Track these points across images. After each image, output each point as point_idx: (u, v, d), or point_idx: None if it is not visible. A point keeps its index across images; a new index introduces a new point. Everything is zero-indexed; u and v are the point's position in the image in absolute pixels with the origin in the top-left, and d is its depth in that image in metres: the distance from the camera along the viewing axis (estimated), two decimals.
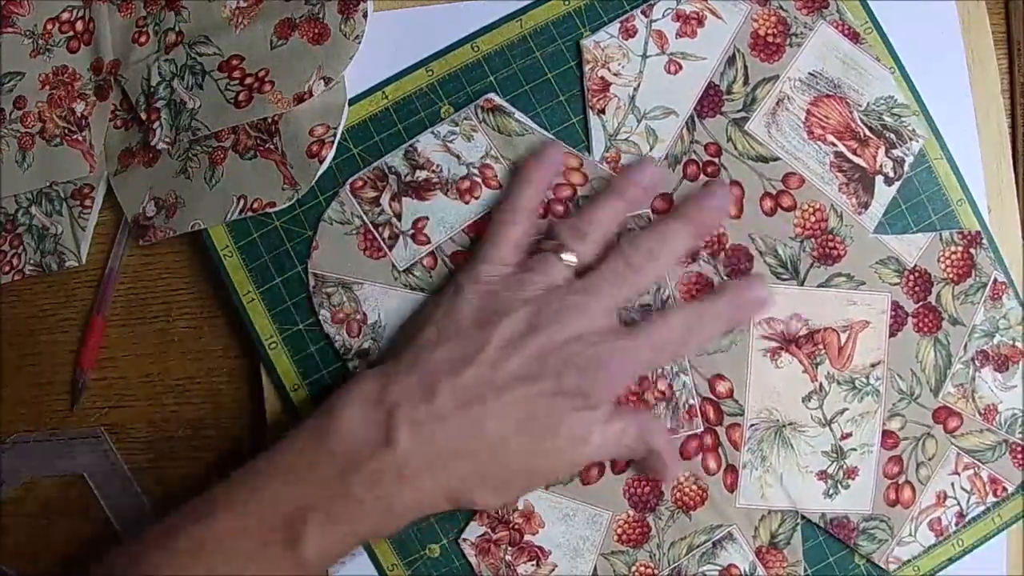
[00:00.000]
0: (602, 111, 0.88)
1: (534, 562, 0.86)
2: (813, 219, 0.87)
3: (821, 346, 0.86)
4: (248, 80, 0.88)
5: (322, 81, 0.88)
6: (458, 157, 0.88)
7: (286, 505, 0.75)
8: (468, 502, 0.79)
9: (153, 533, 0.78)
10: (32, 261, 0.93)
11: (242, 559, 0.75)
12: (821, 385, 0.86)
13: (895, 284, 0.87)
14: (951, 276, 0.87)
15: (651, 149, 0.87)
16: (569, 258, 0.82)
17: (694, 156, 0.87)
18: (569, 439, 0.79)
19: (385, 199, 0.87)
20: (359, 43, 0.88)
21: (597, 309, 0.80)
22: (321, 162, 0.87)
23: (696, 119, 0.88)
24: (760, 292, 0.84)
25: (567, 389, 0.77)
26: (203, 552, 0.75)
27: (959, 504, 0.87)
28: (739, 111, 0.88)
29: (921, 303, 0.87)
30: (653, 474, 0.85)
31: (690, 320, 0.81)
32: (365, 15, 0.88)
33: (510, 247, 0.83)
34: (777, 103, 0.87)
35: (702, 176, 0.87)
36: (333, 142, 0.87)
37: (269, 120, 0.89)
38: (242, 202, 0.87)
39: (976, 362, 0.87)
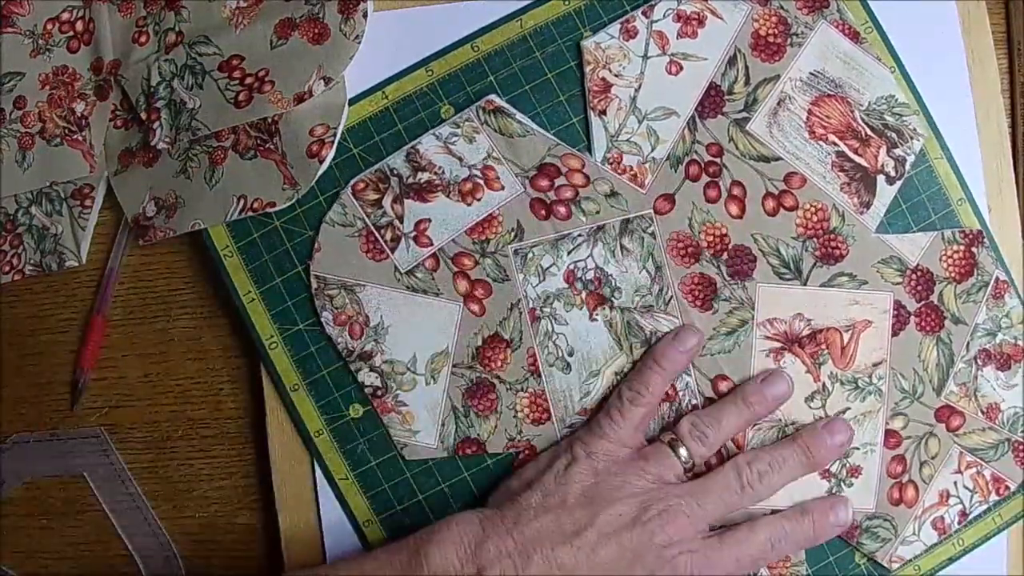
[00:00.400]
0: (603, 112, 0.88)
1: None
2: (815, 219, 0.87)
3: (824, 346, 0.86)
4: (248, 80, 0.88)
5: (322, 81, 0.87)
6: (460, 159, 0.88)
7: None
8: None
9: None
10: (32, 261, 0.93)
11: None
12: (824, 385, 0.86)
13: (897, 283, 0.87)
14: (953, 275, 0.87)
15: (652, 150, 0.87)
16: (684, 456, 0.83)
17: (695, 156, 0.87)
18: None
19: (387, 201, 0.87)
20: (359, 43, 0.88)
21: (698, 516, 0.80)
22: (321, 162, 0.87)
23: (697, 119, 0.88)
24: (844, 516, 0.84)
25: None
26: None
27: (962, 503, 0.87)
28: (740, 111, 0.88)
29: (923, 302, 0.87)
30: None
31: (776, 537, 0.82)
32: (365, 15, 0.88)
33: (631, 429, 0.84)
34: (778, 103, 0.87)
35: (704, 176, 0.87)
36: (333, 142, 0.87)
37: (269, 120, 0.88)
38: (242, 202, 0.87)
39: (978, 361, 0.87)
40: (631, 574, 0.77)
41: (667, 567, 0.78)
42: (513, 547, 0.77)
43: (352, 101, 0.89)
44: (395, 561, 0.77)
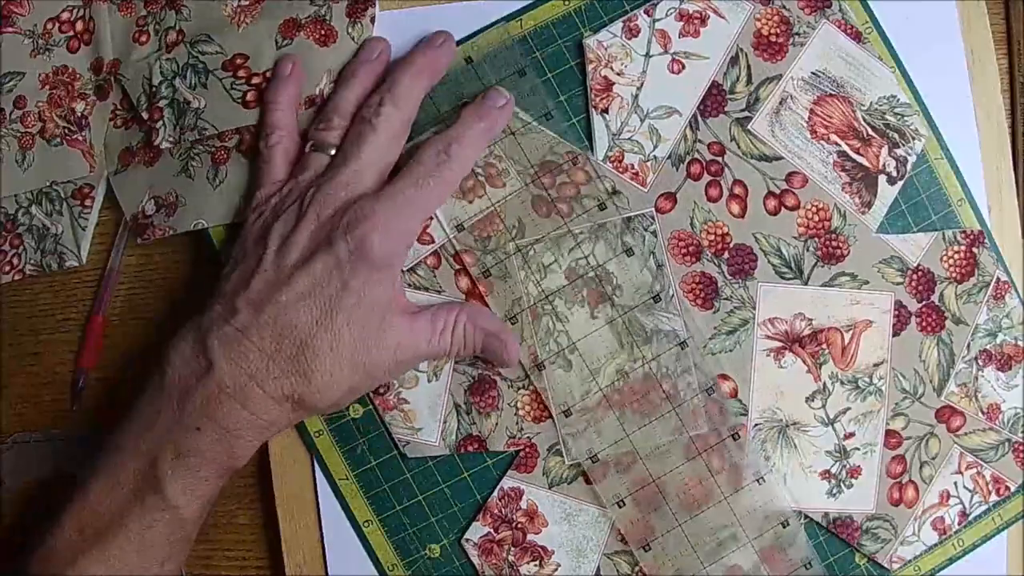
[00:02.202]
0: (605, 110, 0.88)
1: (537, 562, 0.86)
2: (817, 218, 0.87)
3: (825, 346, 0.86)
4: (255, 80, 0.88)
5: (332, 84, 0.88)
6: None
7: (144, 452, 0.78)
8: (302, 404, 0.81)
9: (44, 531, 0.80)
10: (32, 261, 0.93)
11: (119, 516, 0.78)
12: (824, 385, 0.86)
13: (898, 283, 0.87)
14: (954, 275, 0.87)
15: (654, 148, 0.87)
16: (327, 150, 0.86)
17: (697, 155, 0.87)
18: (372, 309, 0.81)
19: None
20: None
21: (350, 175, 0.83)
22: None
23: (699, 118, 0.88)
24: (499, 98, 0.87)
25: (343, 256, 0.79)
26: (87, 525, 0.78)
27: (962, 503, 0.87)
28: (742, 110, 0.88)
29: (924, 302, 0.87)
30: (496, 360, 0.86)
31: (445, 146, 0.84)
32: (373, 20, 0.88)
33: (278, 164, 0.86)
34: (780, 102, 0.88)
35: (705, 175, 0.87)
36: None
37: None
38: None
39: (979, 361, 0.88)
40: (317, 260, 0.80)
41: (342, 227, 0.80)
42: (221, 309, 0.80)
43: None
44: (148, 387, 0.81)
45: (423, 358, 0.85)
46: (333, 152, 0.85)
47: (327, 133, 0.85)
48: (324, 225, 0.80)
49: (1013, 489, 0.88)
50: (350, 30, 0.88)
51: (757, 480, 0.86)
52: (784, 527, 0.86)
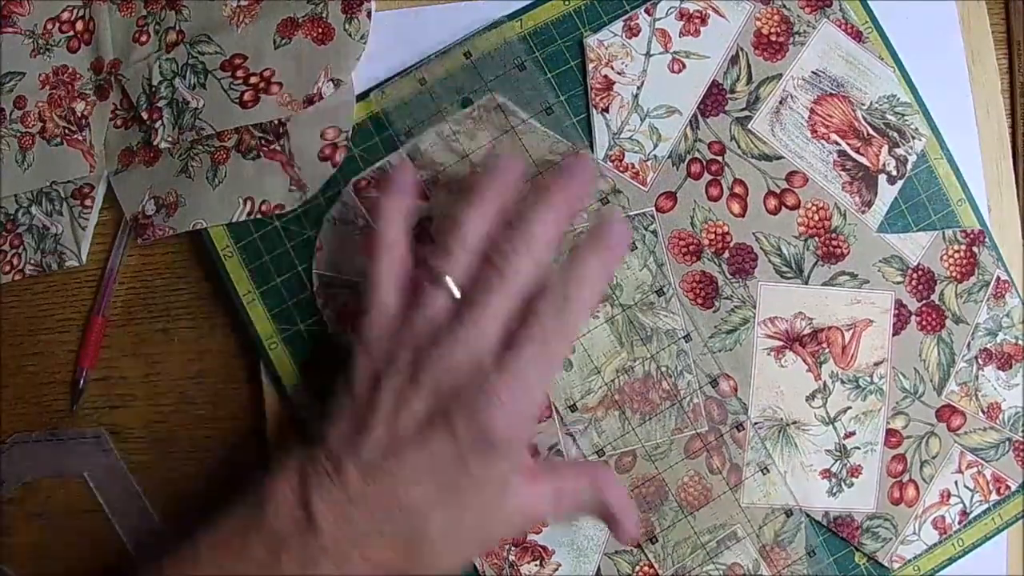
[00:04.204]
0: (606, 110, 0.88)
1: (538, 562, 0.86)
2: (817, 218, 0.87)
3: (825, 345, 0.87)
4: (253, 80, 0.88)
5: (331, 83, 0.88)
6: (462, 156, 0.87)
7: None
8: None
9: None
10: (32, 261, 0.93)
11: None
12: (825, 384, 0.86)
13: (899, 283, 0.87)
14: (954, 274, 0.87)
15: (655, 148, 0.87)
16: (447, 282, 0.76)
17: (698, 155, 0.87)
18: (492, 484, 0.75)
19: None
20: (365, 43, 0.88)
21: (472, 332, 0.75)
22: (334, 166, 0.87)
23: (700, 118, 0.88)
24: (619, 227, 0.79)
25: (463, 439, 0.72)
26: None
27: (963, 502, 0.87)
28: (742, 110, 0.88)
29: (924, 301, 0.87)
30: (611, 531, 0.81)
31: (559, 304, 0.75)
32: (369, 15, 0.88)
33: (388, 290, 0.79)
34: (780, 102, 0.88)
35: (706, 174, 0.87)
36: (347, 146, 0.88)
37: (276, 122, 0.88)
38: (249, 204, 0.87)
39: (979, 360, 0.88)
40: (434, 435, 0.72)
41: (462, 402, 0.72)
42: (328, 464, 0.74)
43: None
44: (238, 514, 0.75)
45: (542, 521, 0.83)
46: (452, 286, 0.76)
47: (449, 266, 0.76)
48: (443, 396, 0.73)
49: (1014, 488, 0.88)
50: (347, 26, 0.88)
51: (761, 470, 0.86)
52: (788, 516, 0.86)
